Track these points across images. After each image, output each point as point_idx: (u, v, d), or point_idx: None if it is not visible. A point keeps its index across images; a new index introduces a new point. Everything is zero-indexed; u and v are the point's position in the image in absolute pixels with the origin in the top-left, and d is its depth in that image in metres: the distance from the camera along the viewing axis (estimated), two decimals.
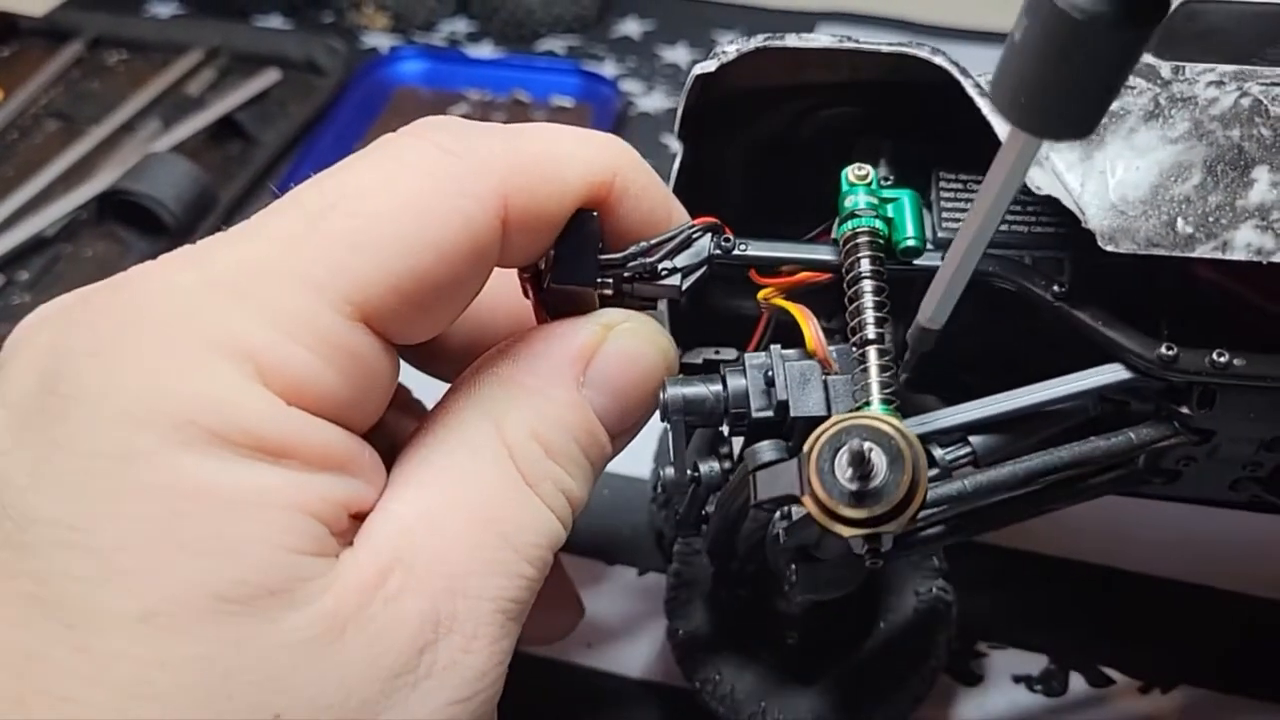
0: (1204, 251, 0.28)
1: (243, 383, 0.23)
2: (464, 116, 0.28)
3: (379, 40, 0.87)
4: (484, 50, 0.86)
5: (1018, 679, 0.46)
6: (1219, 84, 0.29)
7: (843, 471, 0.24)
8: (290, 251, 0.24)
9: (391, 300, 0.25)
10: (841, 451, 0.24)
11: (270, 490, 0.23)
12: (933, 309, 0.28)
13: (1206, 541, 0.50)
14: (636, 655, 0.46)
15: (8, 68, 0.82)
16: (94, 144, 0.74)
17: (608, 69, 0.83)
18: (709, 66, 0.31)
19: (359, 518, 0.25)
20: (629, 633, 0.47)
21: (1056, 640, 0.47)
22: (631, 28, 0.88)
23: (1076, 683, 0.45)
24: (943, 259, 0.28)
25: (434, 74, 0.81)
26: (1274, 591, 0.48)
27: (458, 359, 0.32)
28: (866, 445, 0.24)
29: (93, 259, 0.67)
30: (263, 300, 0.24)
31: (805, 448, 0.24)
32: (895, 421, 0.25)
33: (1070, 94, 0.20)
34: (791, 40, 0.31)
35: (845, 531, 0.24)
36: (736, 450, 0.34)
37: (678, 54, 0.85)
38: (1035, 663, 0.46)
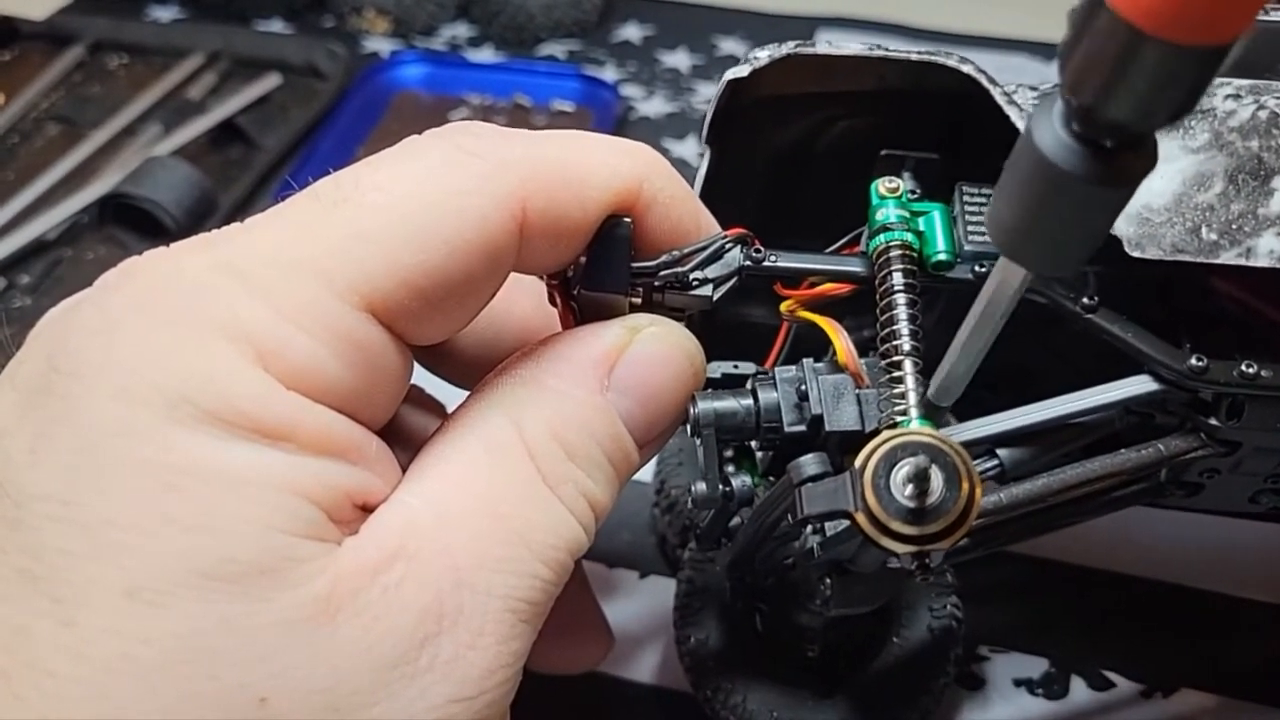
0: (1228, 258, 0.28)
1: (241, 364, 0.23)
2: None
3: (380, 45, 0.87)
4: (485, 55, 0.86)
5: (1019, 683, 0.46)
6: (1236, 97, 0.30)
7: (900, 488, 0.23)
8: (301, 239, 0.24)
9: (401, 294, 0.25)
10: (899, 467, 0.24)
11: (264, 470, 0.23)
12: (943, 390, 0.28)
13: (1208, 546, 0.50)
14: (639, 660, 0.46)
15: (9, 72, 0.82)
16: (95, 148, 0.74)
17: (608, 73, 0.83)
18: (741, 71, 0.32)
19: (368, 509, 0.25)
20: (632, 637, 0.47)
21: (1058, 644, 0.47)
22: (632, 32, 0.88)
23: (1078, 686, 0.45)
24: (975, 272, 0.29)
25: (435, 78, 0.81)
26: (1276, 596, 0.48)
27: (474, 364, 0.32)
28: (927, 462, 0.23)
29: (94, 262, 0.67)
30: (268, 285, 0.24)
31: (858, 463, 0.24)
32: (949, 439, 0.24)
33: (1057, 239, 0.21)
34: (823, 47, 0.31)
35: (898, 548, 0.24)
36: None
37: (678, 59, 0.85)
38: (1036, 666, 0.46)
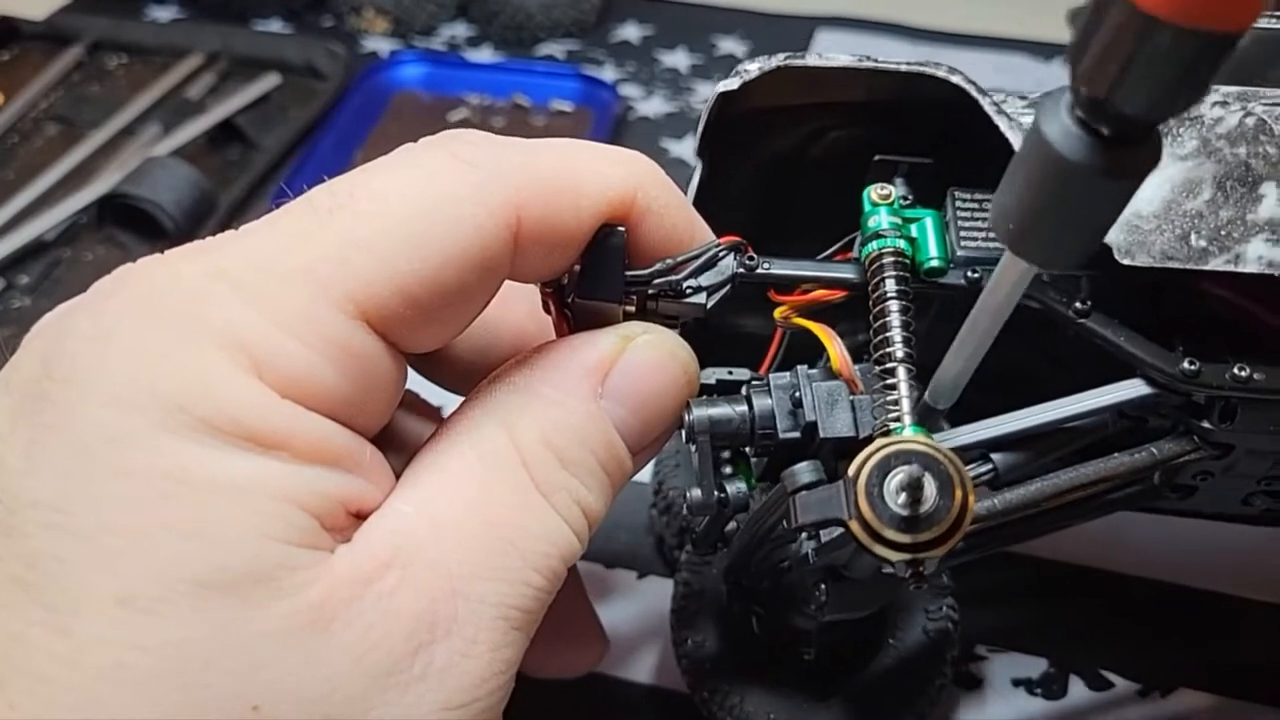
0: (1217, 265, 0.28)
1: (236, 373, 0.23)
2: (464, 121, 0.28)
3: (379, 44, 0.87)
4: (484, 55, 0.86)
5: (1017, 682, 0.46)
6: (1223, 104, 0.30)
7: (893, 496, 0.23)
8: (296, 247, 0.24)
9: (395, 302, 0.25)
10: (892, 475, 0.24)
11: (257, 479, 0.23)
12: (941, 391, 0.28)
13: (1207, 546, 0.50)
14: (637, 661, 0.46)
15: (8, 71, 0.82)
16: (94, 148, 0.74)
17: (607, 73, 0.83)
18: (732, 84, 0.32)
19: (361, 517, 0.25)
20: (629, 638, 0.47)
21: (1056, 644, 0.47)
22: (631, 32, 0.88)
23: (1076, 686, 0.46)
24: (968, 278, 0.29)
25: (434, 78, 0.81)
26: (1273, 595, 0.48)
27: (468, 370, 0.32)
28: (920, 471, 0.23)
29: (93, 263, 0.67)
30: (263, 293, 0.24)
31: (851, 471, 0.24)
32: (943, 447, 0.24)
33: (1063, 233, 0.21)
34: (813, 59, 0.31)
35: (892, 555, 0.24)
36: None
37: (677, 58, 0.85)
38: (1035, 666, 0.46)
